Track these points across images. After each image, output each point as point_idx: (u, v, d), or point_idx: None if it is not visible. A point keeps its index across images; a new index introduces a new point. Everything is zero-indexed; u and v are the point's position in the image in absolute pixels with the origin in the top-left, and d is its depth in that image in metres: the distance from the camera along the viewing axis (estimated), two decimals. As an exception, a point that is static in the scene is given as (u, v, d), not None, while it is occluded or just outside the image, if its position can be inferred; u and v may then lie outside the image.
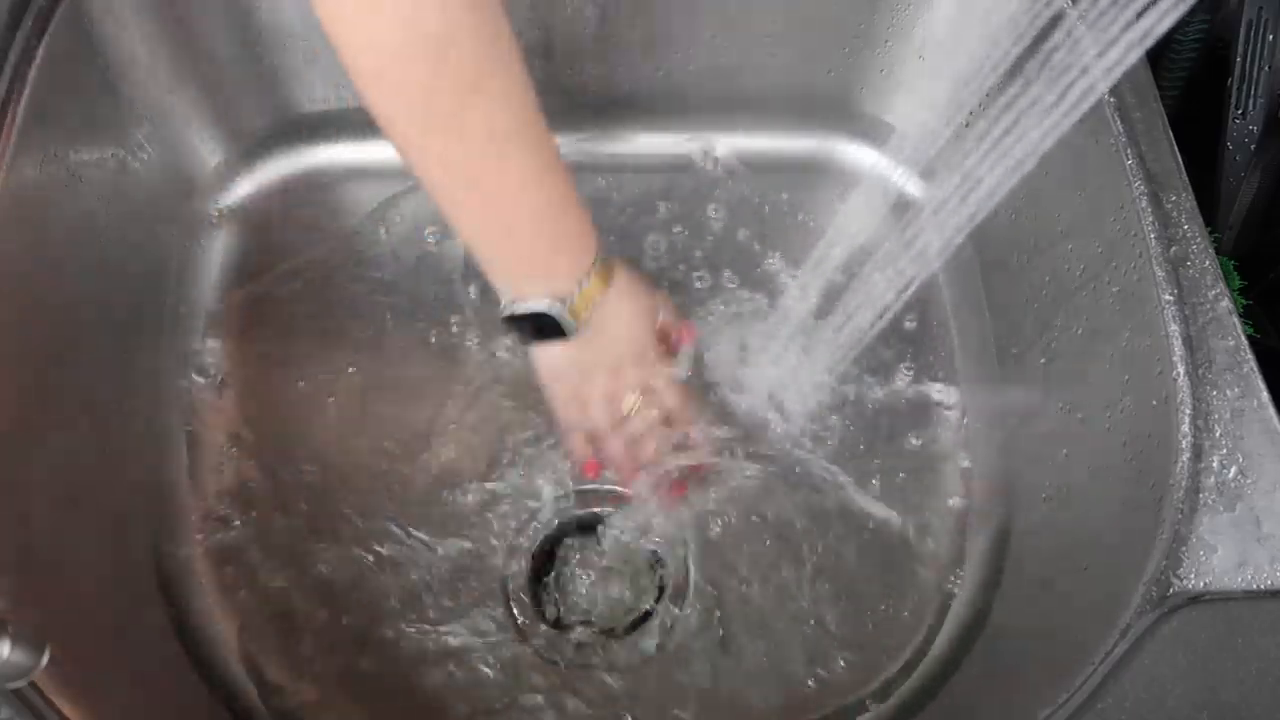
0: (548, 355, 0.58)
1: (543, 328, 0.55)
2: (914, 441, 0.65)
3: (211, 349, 0.67)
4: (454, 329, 0.68)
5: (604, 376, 0.59)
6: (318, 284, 0.69)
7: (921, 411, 0.66)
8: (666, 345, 0.61)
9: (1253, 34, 0.62)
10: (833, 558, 0.62)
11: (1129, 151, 0.55)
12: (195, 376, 0.65)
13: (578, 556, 0.62)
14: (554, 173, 0.52)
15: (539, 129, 0.51)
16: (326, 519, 0.62)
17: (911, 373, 0.67)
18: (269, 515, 0.62)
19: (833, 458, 0.64)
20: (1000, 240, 0.66)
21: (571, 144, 0.74)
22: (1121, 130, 0.56)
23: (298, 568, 0.60)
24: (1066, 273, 0.59)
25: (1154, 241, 0.53)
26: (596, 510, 0.63)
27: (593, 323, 0.55)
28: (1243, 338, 0.51)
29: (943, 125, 0.60)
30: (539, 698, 0.58)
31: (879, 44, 0.70)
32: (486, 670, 0.58)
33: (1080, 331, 0.58)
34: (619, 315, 0.57)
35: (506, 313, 0.55)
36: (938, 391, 0.67)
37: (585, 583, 0.61)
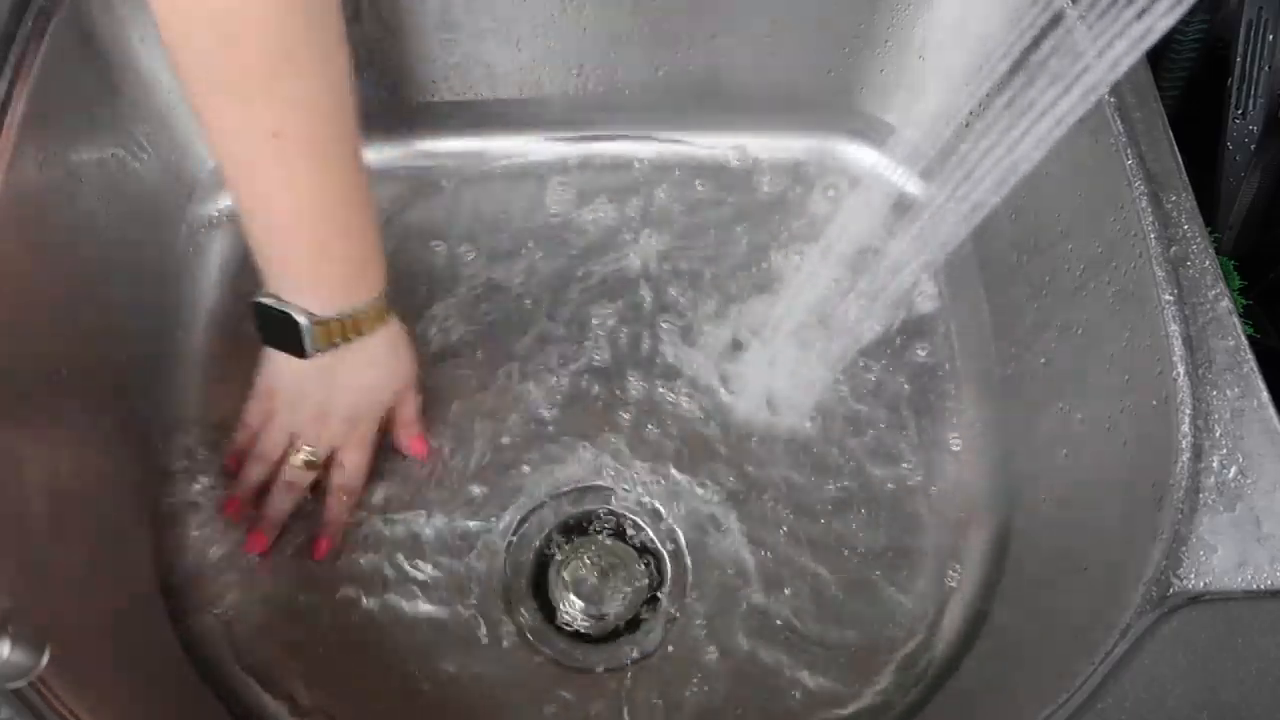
0: (276, 360, 0.57)
1: (284, 333, 0.53)
2: (913, 442, 0.65)
3: (211, 349, 0.67)
4: (454, 333, 0.68)
5: (310, 415, 0.58)
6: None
7: (920, 411, 0.66)
8: (391, 431, 0.60)
9: (1253, 34, 0.62)
10: (830, 559, 0.62)
11: (1129, 151, 0.55)
12: (195, 376, 0.65)
13: (575, 555, 0.62)
14: (348, 196, 0.51)
15: (342, 144, 0.49)
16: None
17: (910, 373, 0.67)
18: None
19: (830, 458, 0.64)
20: (1000, 240, 0.66)
21: (570, 145, 0.74)
22: (1121, 130, 0.56)
23: (299, 566, 0.60)
24: (1066, 273, 0.59)
25: (1154, 241, 0.53)
26: (594, 509, 0.63)
27: (336, 358, 0.54)
28: (1243, 338, 0.51)
29: (943, 125, 0.60)
30: (538, 699, 0.58)
31: (879, 44, 0.70)
32: (488, 671, 0.58)
33: (1080, 331, 0.58)
34: (367, 366, 0.56)
35: (257, 299, 0.54)
36: (937, 392, 0.67)
37: (583, 582, 0.61)
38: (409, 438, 0.62)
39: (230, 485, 0.61)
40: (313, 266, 0.53)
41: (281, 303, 0.53)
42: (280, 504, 0.60)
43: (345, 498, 0.60)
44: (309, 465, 0.59)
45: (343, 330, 0.54)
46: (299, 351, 0.54)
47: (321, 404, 0.58)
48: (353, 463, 0.60)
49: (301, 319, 0.53)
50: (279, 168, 0.48)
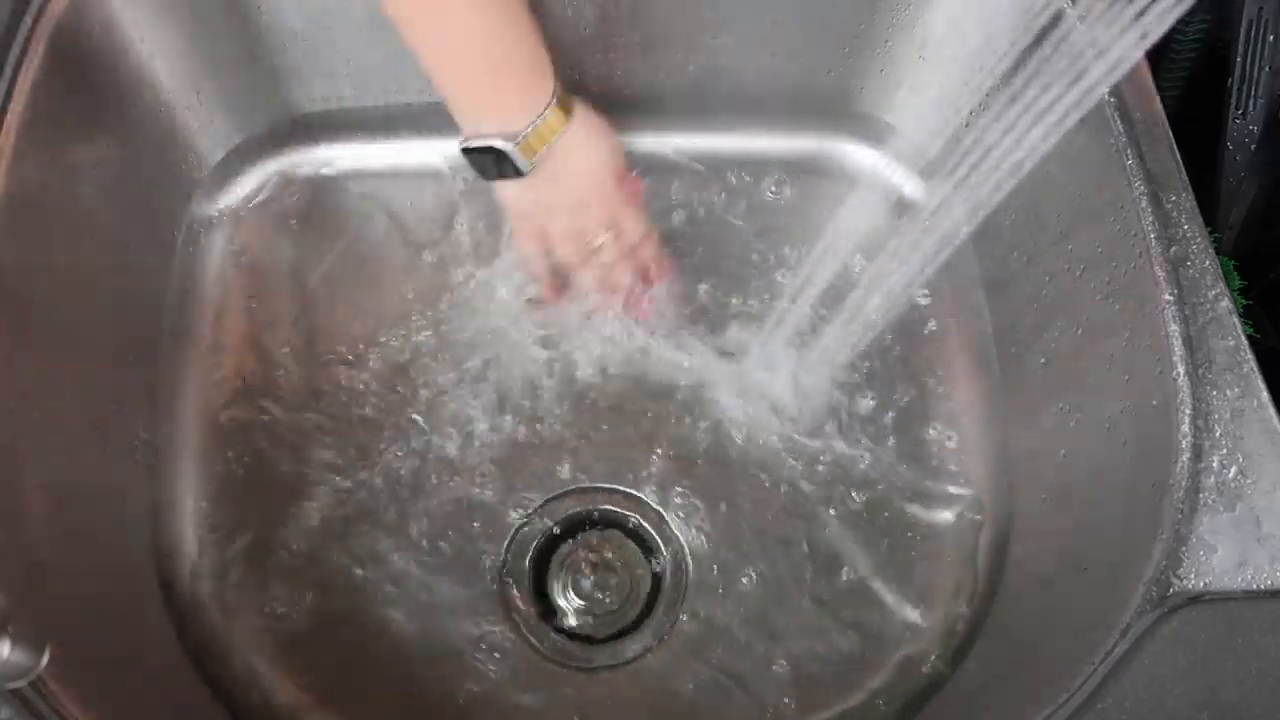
0: (511, 191, 0.60)
1: (499, 163, 0.57)
2: (913, 442, 0.65)
3: (211, 349, 0.67)
4: (455, 326, 0.68)
5: (568, 214, 0.61)
6: (318, 284, 0.69)
7: (921, 412, 0.66)
8: (625, 187, 0.62)
9: (1253, 34, 0.62)
10: (829, 559, 0.62)
11: (1129, 151, 0.55)
12: (195, 376, 0.65)
13: (575, 555, 0.62)
14: (508, 10, 0.54)
15: None
16: (328, 518, 0.62)
17: (910, 373, 0.67)
18: (270, 514, 0.62)
19: (830, 458, 0.64)
20: (1000, 241, 0.66)
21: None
22: (1121, 130, 0.56)
23: (298, 566, 0.60)
24: (1066, 273, 0.59)
25: (1154, 241, 0.53)
26: (596, 508, 0.63)
27: (551, 160, 0.57)
28: (1243, 338, 0.51)
29: (943, 125, 0.60)
30: (538, 698, 0.58)
31: (879, 44, 0.70)
32: (489, 671, 0.58)
33: (1080, 331, 0.58)
34: (578, 153, 0.59)
35: (461, 146, 0.57)
36: (937, 392, 0.67)
37: (582, 582, 0.61)
38: (630, 188, 0.64)
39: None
40: (493, 85, 0.56)
41: (482, 137, 0.56)
42: (623, 279, 0.64)
43: (651, 251, 0.64)
44: (615, 243, 0.62)
45: (542, 136, 0.56)
46: (518, 173, 0.57)
47: (572, 199, 0.60)
48: (631, 224, 0.63)
49: (504, 145, 0.56)
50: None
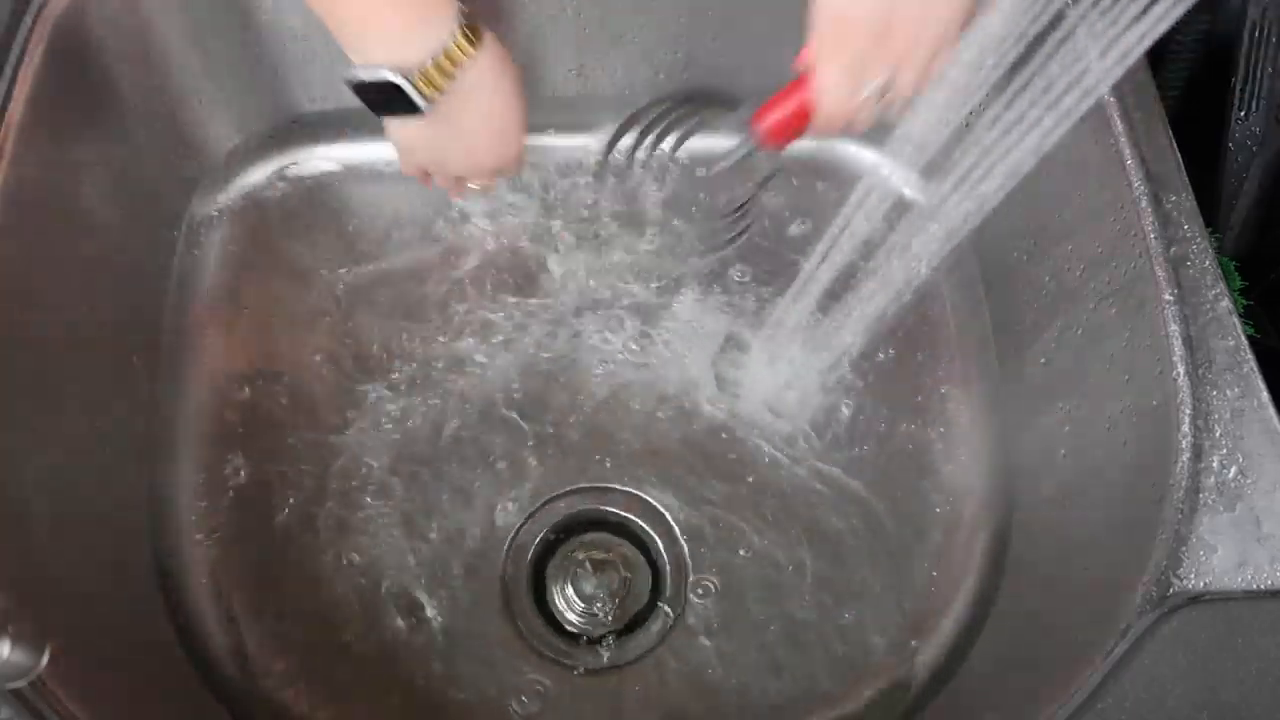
0: (399, 127, 0.53)
1: (392, 99, 0.49)
2: (913, 442, 0.65)
3: (211, 349, 0.67)
4: (456, 326, 0.68)
5: (459, 157, 0.55)
6: (318, 284, 0.69)
7: (921, 412, 0.66)
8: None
9: (1257, 35, 0.62)
10: (830, 559, 0.62)
11: (1129, 151, 0.55)
12: (194, 376, 0.65)
13: (574, 556, 0.62)
14: None
15: None
16: (327, 519, 0.62)
17: (911, 374, 0.67)
18: (269, 514, 0.62)
19: (830, 458, 0.64)
20: (1000, 241, 0.66)
21: (570, 146, 0.74)
22: (1121, 130, 0.56)
23: (298, 567, 0.60)
24: (1066, 273, 0.59)
25: (1154, 241, 0.53)
26: (597, 508, 0.63)
27: (450, 96, 0.50)
28: (1243, 338, 0.51)
29: (943, 125, 0.60)
30: (538, 698, 0.58)
31: (879, 44, 0.70)
32: (490, 673, 0.58)
33: (1080, 331, 0.58)
34: (483, 92, 0.52)
35: (350, 79, 0.49)
36: (937, 392, 0.67)
37: (582, 581, 0.61)
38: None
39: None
40: (400, 5, 0.48)
41: (372, 69, 0.48)
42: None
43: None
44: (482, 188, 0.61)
45: (444, 69, 0.49)
46: (413, 110, 0.50)
47: (464, 147, 0.55)
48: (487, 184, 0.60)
49: (400, 79, 0.48)
50: None
